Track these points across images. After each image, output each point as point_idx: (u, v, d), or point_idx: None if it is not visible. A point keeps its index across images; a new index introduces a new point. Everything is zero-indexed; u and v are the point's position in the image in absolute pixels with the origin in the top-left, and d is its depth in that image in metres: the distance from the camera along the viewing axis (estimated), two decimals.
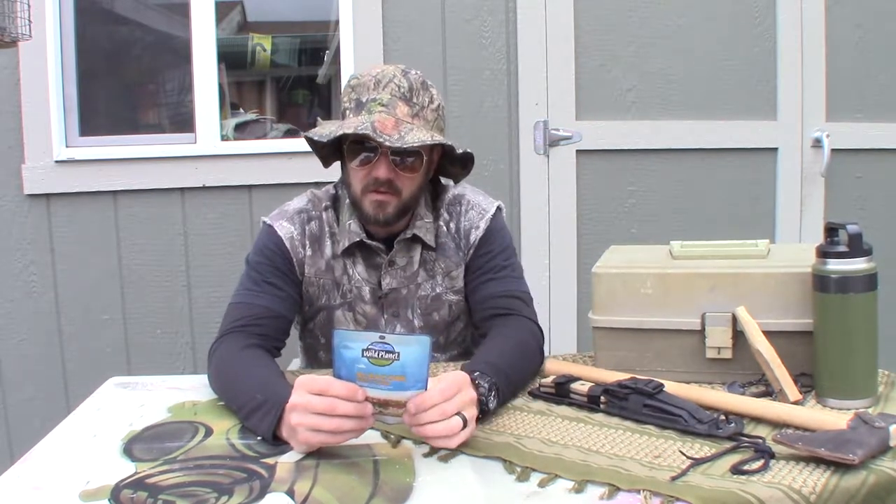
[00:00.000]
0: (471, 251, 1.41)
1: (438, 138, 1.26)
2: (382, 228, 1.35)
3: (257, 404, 1.06)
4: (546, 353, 1.35)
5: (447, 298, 1.42)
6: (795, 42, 2.46)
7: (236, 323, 1.29)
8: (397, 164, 1.27)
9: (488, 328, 1.33)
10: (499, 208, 1.45)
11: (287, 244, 1.36)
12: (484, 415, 1.07)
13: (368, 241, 1.36)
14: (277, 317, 1.32)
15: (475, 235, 1.40)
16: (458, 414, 0.98)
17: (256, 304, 1.32)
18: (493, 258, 1.40)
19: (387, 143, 1.20)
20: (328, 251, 1.38)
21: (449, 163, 1.40)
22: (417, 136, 1.22)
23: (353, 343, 0.95)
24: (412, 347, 0.95)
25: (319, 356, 1.49)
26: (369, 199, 1.29)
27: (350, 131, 1.22)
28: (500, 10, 2.39)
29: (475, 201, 1.43)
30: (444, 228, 1.41)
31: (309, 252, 1.38)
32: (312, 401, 0.95)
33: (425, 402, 0.96)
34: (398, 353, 0.94)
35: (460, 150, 1.30)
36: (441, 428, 0.96)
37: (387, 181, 1.27)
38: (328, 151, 1.38)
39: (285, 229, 1.37)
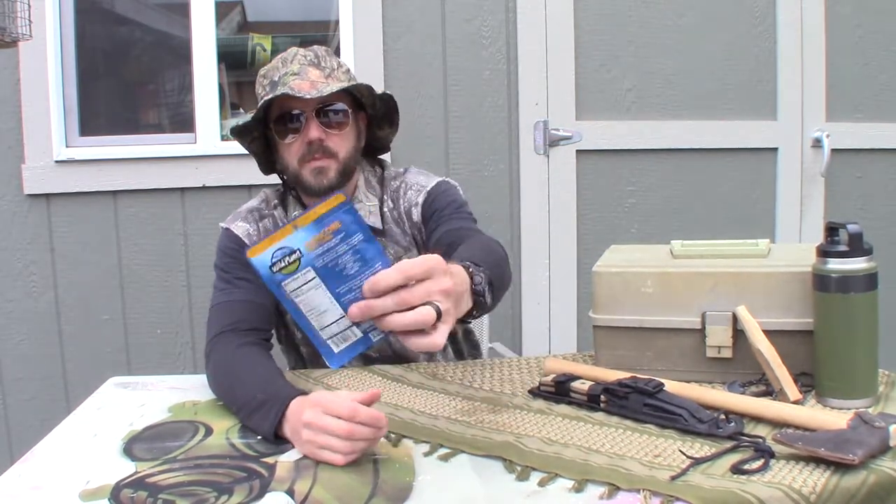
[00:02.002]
0: (417, 229, 1.41)
1: (354, 83, 1.30)
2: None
3: (258, 403, 1.06)
4: (546, 353, 1.35)
5: None
6: (795, 42, 2.46)
7: (224, 324, 1.29)
8: (325, 125, 1.30)
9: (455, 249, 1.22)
10: (444, 181, 1.44)
11: (246, 240, 1.38)
12: (481, 308, 0.97)
13: None
14: (260, 306, 1.33)
15: (416, 213, 1.41)
16: (428, 304, 0.80)
17: (235, 300, 1.32)
18: (445, 207, 1.39)
19: (306, 97, 1.24)
20: None
21: (377, 126, 1.43)
22: (335, 86, 1.27)
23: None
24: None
25: (301, 352, 1.50)
26: (308, 168, 1.32)
27: (270, 96, 1.27)
28: (500, 10, 2.39)
29: (413, 181, 1.44)
30: (389, 215, 1.42)
31: None
32: (338, 425, 0.93)
33: (379, 281, 0.80)
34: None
35: (379, 91, 1.33)
36: (409, 319, 0.79)
37: (319, 144, 1.29)
38: (259, 148, 1.40)
39: (241, 228, 1.40)
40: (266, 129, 1.37)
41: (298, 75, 1.30)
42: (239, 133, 1.35)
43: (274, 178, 1.49)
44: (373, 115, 1.41)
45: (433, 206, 1.40)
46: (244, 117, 1.32)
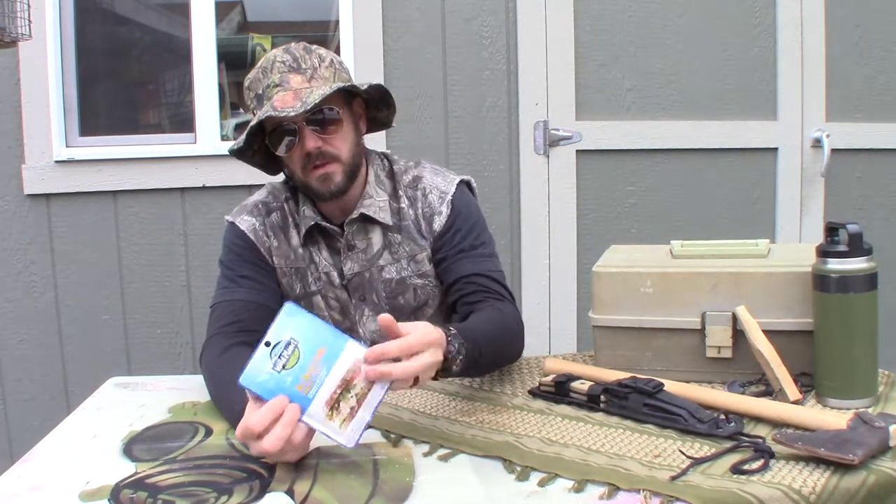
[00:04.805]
0: (436, 237, 1.37)
1: (337, 85, 1.25)
2: (337, 205, 1.34)
3: (238, 413, 1.05)
4: (546, 353, 1.35)
5: (412, 282, 1.39)
6: (795, 42, 2.46)
7: (219, 324, 1.28)
8: (320, 131, 1.27)
9: (469, 310, 1.30)
10: (461, 183, 1.41)
11: (252, 236, 1.36)
12: (445, 373, 1.06)
13: (324, 224, 1.35)
14: (259, 307, 1.31)
15: (438, 223, 1.37)
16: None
17: (235, 299, 1.31)
18: (464, 238, 1.37)
19: (292, 114, 1.20)
20: (295, 240, 1.38)
21: (375, 108, 1.39)
22: (317, 93, 1.23)
23: (260, 374, 0.92)
24: (293, 320, 0.94)
25: None
26: (313, 177, 1.29)
27: (254, 122, 1.24)
28: (500, 10, 2.39)
29: (433, 184, 1.39)
30: (407, 211, 1.38)
31: (275, 242, 1.37)
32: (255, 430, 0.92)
33: (386, 352, 0.94)
34: (291, 339, 0.93)
35: (364, 86, 1.29)
36: (395, 376, 0.94)
37: (318, 152, 1.26)
38: (261, 159, 1.38)
39: (247, 223, 1.37)
40: (263, 138, 1.32)
41: (281, 87, 1.25)
42: (238, 153, 1.32)
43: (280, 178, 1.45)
44: (368, 99, 1.37)
45: (455, 224, 1.37)
46: (239, 140, 1.28)
